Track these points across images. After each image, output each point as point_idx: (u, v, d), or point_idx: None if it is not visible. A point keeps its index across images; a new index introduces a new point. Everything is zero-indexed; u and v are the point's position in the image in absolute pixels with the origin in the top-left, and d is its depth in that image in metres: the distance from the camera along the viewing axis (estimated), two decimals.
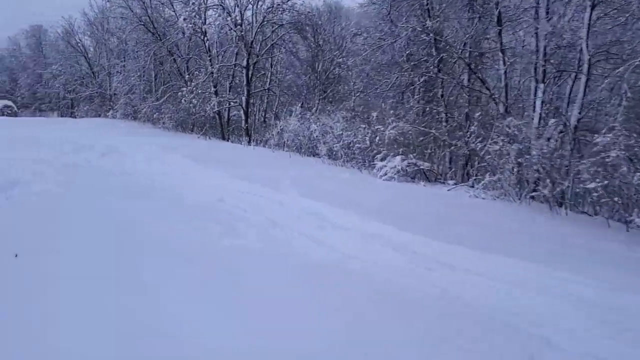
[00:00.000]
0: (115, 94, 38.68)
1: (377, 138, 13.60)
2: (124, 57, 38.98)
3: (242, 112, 25.28)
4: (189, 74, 29.54)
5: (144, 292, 4.31)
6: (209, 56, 26.55)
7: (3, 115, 45.17)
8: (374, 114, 14.19)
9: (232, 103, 25.97)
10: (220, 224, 6.99)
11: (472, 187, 11.83)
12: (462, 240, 7.11)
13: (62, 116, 47.85)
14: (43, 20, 49.44)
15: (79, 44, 45.85)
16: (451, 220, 8.84)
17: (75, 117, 41.89)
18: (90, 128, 26.67)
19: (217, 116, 26.15)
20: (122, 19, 34.03)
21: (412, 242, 6.95)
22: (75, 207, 7.35)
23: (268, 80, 28.38)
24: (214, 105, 24.08)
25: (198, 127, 26.72)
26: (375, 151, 14.07)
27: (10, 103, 48.35)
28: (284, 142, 18.19)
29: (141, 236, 6.07)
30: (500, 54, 14.34)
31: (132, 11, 31.15)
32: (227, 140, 25.23)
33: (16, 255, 4.75)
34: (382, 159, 13.43)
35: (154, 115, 29.60)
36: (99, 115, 39.21)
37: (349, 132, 15.08)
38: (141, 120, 31.56)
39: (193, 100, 23.53)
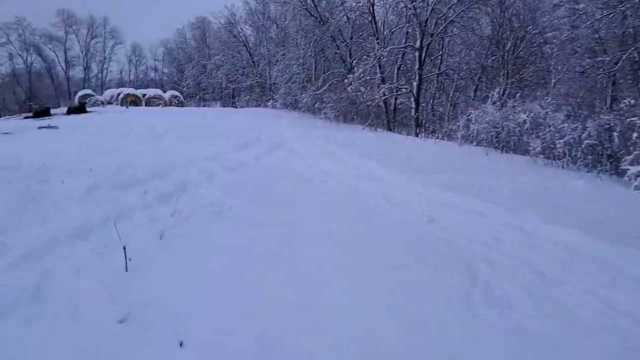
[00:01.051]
0: (274, 83, 38.27)
1: (635, 134, 9.93)
2: (284, 45, 38.29)
3: (412, 99, 22.41)
4: (351, 60, 27.53)
5: None
6: (377, 38, 24.10)
7: (172, 105, 47.47)
8: (628, 101, 10.48)
9: (403, 90, 23.12)
10: (454, 269, 4.64)
11: None
12: None
13: (224, 106, 49.23)
14: (208, 11, 51.06)
15: (241, 34, 46.47)
16: None
17: (237, 107, 42.47)
18: (252, 119, 25.89)
19: (383, 105, 23.65)
20: (284, 4, 33.06)
21: None
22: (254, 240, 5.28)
23: (439, 62, 25.26)
24: (383, 92, 21.54)
25: (361, 117, 24.53)
26: (618, 151, 10.46)
27: (177, 93, 50.96)
28: (473, 135, 15.08)
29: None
30: None
31: None
32: (392, 131, 22.66)
33: None
34: (633, 162, 9.79)
35: (315, 105, 28.09)
36: (259, 105, 39.18)
37: (575, 125, 11.54)
38: (301, 110, 30.36)
39: (361, 87, 21.23)
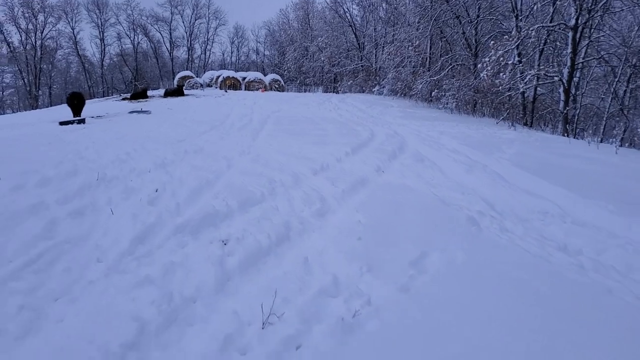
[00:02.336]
0: (381, 67, 34.79)
1: None
2: (394, 25, 34.62)
3: (561, 90, 17.90)
4: (480, 42, 23.49)
5: None
6: (516, 16, 19.87)
7: (272, 89, 45.49)
8: None
9: (556, 78, 18.46)
10: None
11: None
12: None
13: (326, 91, 46.48)
14: None
15: (347, 13, 43.26)
16: None
17: (338, 92, 39.56)
18: (358, 107, 22.79)
19: (520, 95, 19.47)
20: None
21: None
22: None
23: (586, 43, 20.52)
24: (528, 80, 17.36)
25: (489, 109, 20.60)
26: None
27: (278, 77, 48.71)
28: None
29: None
30: None
31: None
32: (531, 128, 18.47)
33: None
34: None
35: (432, 93, 24.34)
36: (363, 91, 35.98)
37: None
38: (412, 98, 26.68)
39: (500, 74, 17.15)
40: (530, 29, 17.25)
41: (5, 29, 67.03)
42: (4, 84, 72.38)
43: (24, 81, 68.76)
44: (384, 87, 31.18)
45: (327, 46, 46.21)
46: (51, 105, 62.28)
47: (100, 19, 71.64)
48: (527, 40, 18.36)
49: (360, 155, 9.98)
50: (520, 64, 18.43)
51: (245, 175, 7.28)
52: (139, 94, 32.45)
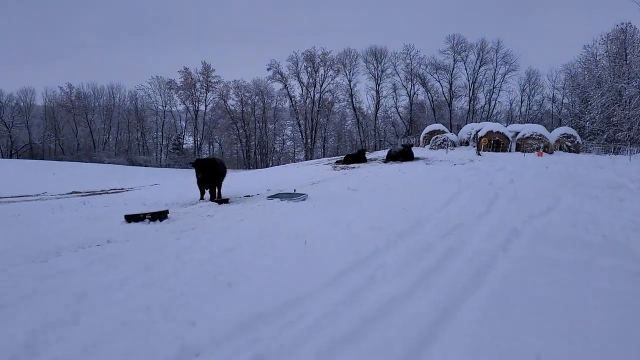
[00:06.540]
0: None
1: None
2: None
3: None
4: None
5: None
6: None
7: (560, 149, 32.40)
8: None
9: None
10: None
11: None
12: None
13: None
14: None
15: None
16: None
17: None
18: None
19: None
20: None
21: None
22: None
23: None
24: None
25: None
26: None
27: (571, 131, 34.45)
28: None
29: None
30: None
31: None
32: None
33: None
34: None
35: None
36: None
37: None
38: None
39: None
40: None
41: (289, 84, 69.79)
42: (285, 137, 75.73)
43: (301, 134, 70.15)
44: None
45: None
46: (324, 157, 60.66)
47: (377, 69, 68.51)
48: None
49: None
50: None
51: None
52: (354, 157, 24.81)
